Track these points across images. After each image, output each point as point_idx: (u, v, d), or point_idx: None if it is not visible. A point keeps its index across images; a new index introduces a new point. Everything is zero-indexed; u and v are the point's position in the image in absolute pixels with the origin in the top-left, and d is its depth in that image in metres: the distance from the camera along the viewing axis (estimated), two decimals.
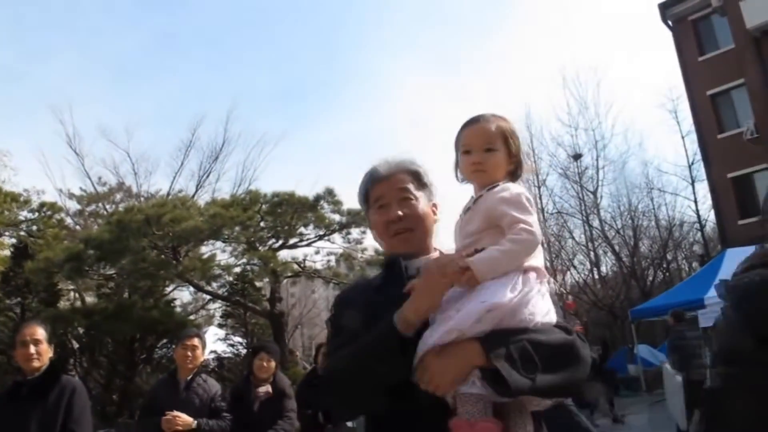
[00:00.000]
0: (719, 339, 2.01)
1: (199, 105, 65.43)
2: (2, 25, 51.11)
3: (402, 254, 1.97)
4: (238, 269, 15.31)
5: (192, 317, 21.29)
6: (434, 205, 2.06)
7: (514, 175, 1.89)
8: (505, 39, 67.07)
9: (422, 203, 1.99)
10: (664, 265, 30.83)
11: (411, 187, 2.00)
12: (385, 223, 1.97)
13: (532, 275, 1.71)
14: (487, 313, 1.58)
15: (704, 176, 26.76)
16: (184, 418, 4.85)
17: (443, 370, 1.57)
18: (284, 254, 15.85)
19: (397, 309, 1.75)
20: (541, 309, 1.67)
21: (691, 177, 30.00)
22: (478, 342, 1.57)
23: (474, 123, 1.88)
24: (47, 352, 4.07)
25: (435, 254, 1.99)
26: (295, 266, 16.09)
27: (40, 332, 4.08)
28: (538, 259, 1.75)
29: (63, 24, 54.54)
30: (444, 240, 2.07)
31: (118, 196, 27.80)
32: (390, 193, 1.99)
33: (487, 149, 1.84)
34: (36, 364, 4.01)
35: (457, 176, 1.94)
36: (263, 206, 15.30)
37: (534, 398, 1.64)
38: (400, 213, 1.95)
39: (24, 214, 19.54)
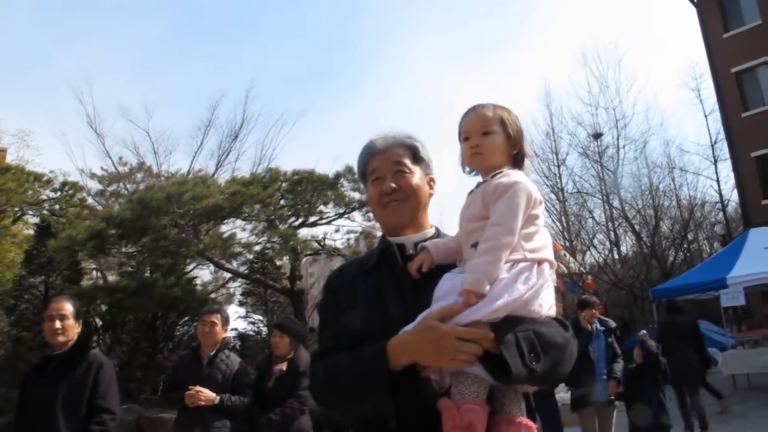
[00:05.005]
0: None
1: (217, 85, 65.47)
2: (28, 10, 51.37)
3: (394, 225, 2.02)
4: (258, 247, 15.27)
5: (213, 295, 21.43)
6: (431, 179, 2.10)
7: (516, 159, 1.91)
8: (525, 18, 66.34)
9: (417, 176, 2.03)
10: (685, 246, 30.54)
11: (406, 161, 2.03)
12: (378, 194, 2.01)
13: (546, 267, 1.76)
14: (504, 306, 1.61)
15: (727, 155, 26.44)
16: (207, 393, 4.92)
17: (461, 348, 1.58)
18: (304, 232, 15.84)
19: (387, 300, 1.83)
20: (548, 302, 1.73)
21: (714, 156, 29.67)
22: (489, 327, 1.60)
23: (471, 111, 1.93)
24: (73, 327, 4.08)
25: (431, 231, 2.04)
26: (315, 244, 16.11)
27: (67, 307, 4.09)
28: (549, 250, 1.79)
29: (86, 5, 54.69)
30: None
31: (139, 176, 28.00)
32: (385, 166, 2.02)
33: (484, 132, 1.87)
34: (61, 338, 4.03)
35: (462, 168, 1.97)
36: (283, 184, 15.23)
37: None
38: (393, 185, 1.99)
39: (46, 194, 19.69)
